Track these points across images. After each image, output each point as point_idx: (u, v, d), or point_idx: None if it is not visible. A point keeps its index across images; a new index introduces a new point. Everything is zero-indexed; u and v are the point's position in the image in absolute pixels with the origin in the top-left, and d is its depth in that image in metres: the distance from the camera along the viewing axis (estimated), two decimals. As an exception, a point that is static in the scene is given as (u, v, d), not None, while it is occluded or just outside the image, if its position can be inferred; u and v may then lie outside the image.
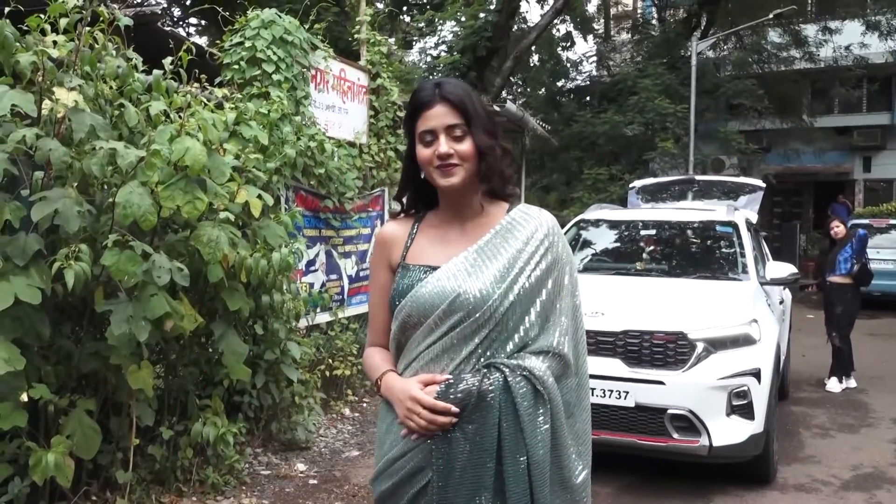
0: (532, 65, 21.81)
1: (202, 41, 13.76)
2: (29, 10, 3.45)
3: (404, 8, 18.00)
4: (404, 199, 1.89)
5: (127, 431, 3.72)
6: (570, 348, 1.75)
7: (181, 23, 17.61)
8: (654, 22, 22.08)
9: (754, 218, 7.05)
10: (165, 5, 16.55)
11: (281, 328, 4.78)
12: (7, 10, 3.33)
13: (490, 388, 1.63)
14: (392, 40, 11.02)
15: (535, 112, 17.23)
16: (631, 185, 8.32)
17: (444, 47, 15.51)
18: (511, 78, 17.66)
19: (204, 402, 4.27)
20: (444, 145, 1.71)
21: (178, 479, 4.14)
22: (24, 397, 3.12)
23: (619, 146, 16.74)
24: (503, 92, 16.07)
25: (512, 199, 1.84)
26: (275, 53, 5.64)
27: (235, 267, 4.00)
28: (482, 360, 1.68)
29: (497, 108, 11.06)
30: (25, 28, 3.41)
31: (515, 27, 17.09)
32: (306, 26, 6.17)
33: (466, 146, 1.72)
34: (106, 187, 3.57)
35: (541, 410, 1.66)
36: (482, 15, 14.00)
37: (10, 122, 3.20)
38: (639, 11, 25.13)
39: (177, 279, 3.40)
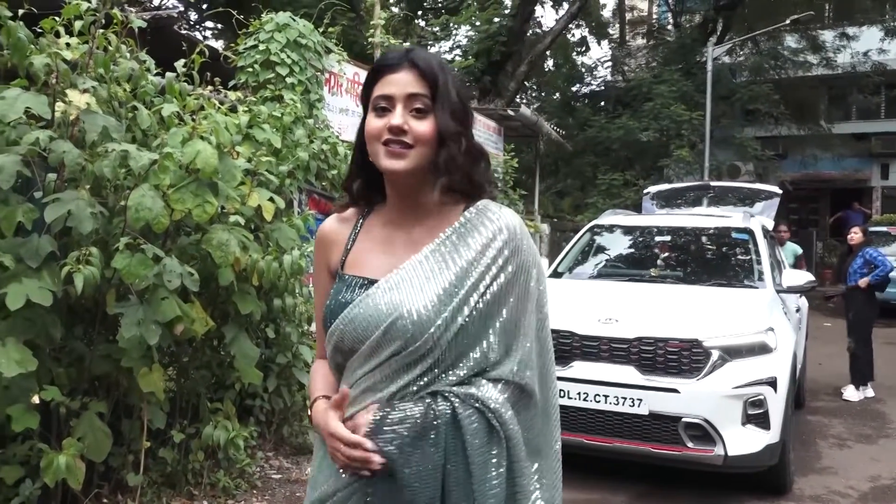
0: (547, 69, 21.81)
1: (218, 45, 13.83)
2: (43, 13, 3.46)
3: (419, 12, 18.04)
4: (354, 187, 1.58)
5: (138, 434, 3.71)
6: (534, 376, 1.47)
7: (198, 27, 17.74)
8: (669, 27, 22.05)
9: (770, 225, 6.98)
10: (182, 9, 16.67)
11: (293, 331, 4.77)
12: (21, 12, 3.34)
13: (435, 422, 1.37)
14: (407, 44, 11.05)
15: (550, 117, 17.23)
16: (645, 191, 8.26)
17: (458, 51, 15.54)
18: (526, 82, 17.68)
19: (215, 406, 4.26)
20: (398, 116, 1.41)
21: (189, 482, 4.13)
22: (36, 399, 3.12)
23: (634, 152, 16.71)
24: (518, 96, 16.06)
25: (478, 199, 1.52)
26: (289, 56, 5.66)
27: (247, 270, 3.99)
28: (427, 388, 1.41)
29: (511, 112, 11.06)
30: (39, 30, 3.42)
31: (530, 32, 17.09)
32: (321, 30, 6.18)
33: (425, 126, 1.41)
34: (118, 190, 3.57)
35: (494, 451, 1.39)
36: (497, 19, 14.02)
37: (25, 125, 3.21)
38: (654, 16, 25.09)
39: (187, 284, 3.39)
